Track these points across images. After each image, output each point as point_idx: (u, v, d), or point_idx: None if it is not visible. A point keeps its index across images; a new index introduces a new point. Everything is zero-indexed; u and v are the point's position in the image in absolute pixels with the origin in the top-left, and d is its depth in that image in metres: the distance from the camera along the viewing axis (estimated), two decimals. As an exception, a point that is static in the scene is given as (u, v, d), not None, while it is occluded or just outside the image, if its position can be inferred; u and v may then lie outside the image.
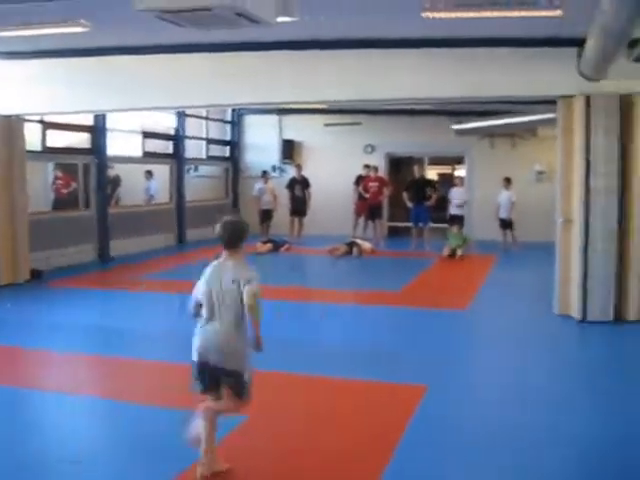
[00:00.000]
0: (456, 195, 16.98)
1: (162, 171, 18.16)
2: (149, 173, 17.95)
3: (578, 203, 9.08)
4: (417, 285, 12.52)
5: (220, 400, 4.63)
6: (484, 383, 6.83)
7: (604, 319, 8.96)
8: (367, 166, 18.11)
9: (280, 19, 7.61)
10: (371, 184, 17.72)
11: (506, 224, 16.69)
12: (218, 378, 4.58)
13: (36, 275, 12.29)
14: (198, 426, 4.56)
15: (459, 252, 15.38)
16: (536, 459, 4.87)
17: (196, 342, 4.68)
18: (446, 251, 15.48)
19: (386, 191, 17.83)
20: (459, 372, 7.11)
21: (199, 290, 4.73)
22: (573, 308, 9.24)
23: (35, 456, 4.92)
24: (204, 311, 4.69)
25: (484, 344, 8.42)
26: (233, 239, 4.70)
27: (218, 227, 4.69)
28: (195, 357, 4.65)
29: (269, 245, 16.54)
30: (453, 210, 16.92)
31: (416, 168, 17.86)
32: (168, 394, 6.35)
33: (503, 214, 16.71)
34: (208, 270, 4.74)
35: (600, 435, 5.34)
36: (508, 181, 16.71)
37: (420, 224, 17.14)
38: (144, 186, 18.00)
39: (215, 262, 4.76)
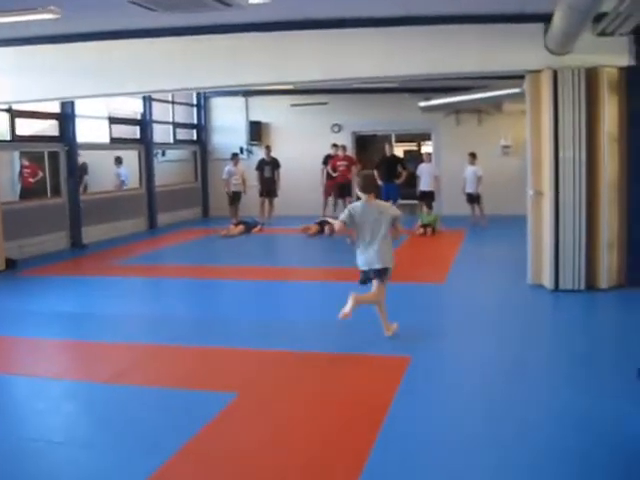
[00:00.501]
0: (425, 171, 17.07)
1: (130, 157, 18.10)
2: (118, 159, 17.88)
3: (548, 175, 9.27)
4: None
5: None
6: (465, 353, 6.99)
7: (576, 288, 9.20)
8: (335, 145, 18.26)
9: (252, 1, 7.71)
10: (339, 163, 17.86)
11: (473, 198, 16.89)
12: (372, 277, 7.13)
13: (10, 264, 12.24)
14: (348, 306, 6.92)
15: (429, 230, 15.54)
16: (517, 429, 5.01)
17: (361, 260, 7.20)
18: (418, 229, 15.61)
19: (354, 169, 17.95)
20: (441, 343, 7.27)
21: (350, 220, 7.02)
22: (546, 278, 9.47)
23: (23, 441, 4.99)
24: (364, 237, 7.05)
25: (463, 316, 8.57)
26: (368, 186, 7.11)
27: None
28: (362, 269, 7.21)
29: (241, 227, 16.59)
30: (423, 186, 17.00)
31: (387, 146, 17.90)
32: (144, 374, 6.51)
33: (469, 189, 16.88)
34: (358, 209, 7.03)
35: (571, 404, 5.47)
36: (473, 156, 16.87)
37: (390, 201, 17.25)
38: (114, 172, 17.95)
39: (359, 204, 7.11)
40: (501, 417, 5.22)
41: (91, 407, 5.77)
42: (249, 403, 5.62)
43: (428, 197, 16.74)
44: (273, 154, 18.71)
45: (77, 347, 7.61)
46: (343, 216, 7.04)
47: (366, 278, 7.22)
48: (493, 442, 4.79)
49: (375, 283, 7.17)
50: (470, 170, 16.84)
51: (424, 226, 15.69)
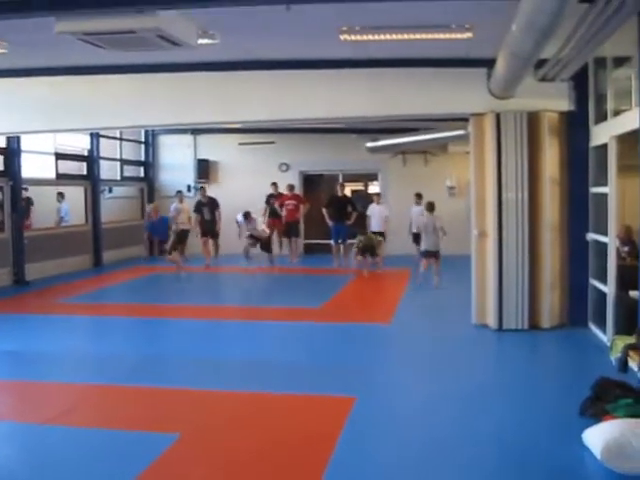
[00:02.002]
0: (376, 212, 17.15)
1: (75, 193, 17.90)
2: (60, 195, 17.67)
3: (492, 216, 9.44)
4: (338, 301, 12.72)
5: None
6: (409, 393, 7.03)
7: (519, 327, 9.34)
8: (274, 184, 18.26)
9: (201, 41, 7.75)
10: (287, 202, 17.91)
11: (417, 238, 17.01)
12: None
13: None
14: None
15: (369, 258, 15.55)
16: (459, 462, 5.09)
17: (424, 245, 12.84)
18: (356, 257, 15.62)
19: (302, 209, 18.02)
20: (386, 383, 7.28)
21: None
22: (490, 318, 9.59)
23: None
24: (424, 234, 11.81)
25: (408, 355, 8.64)
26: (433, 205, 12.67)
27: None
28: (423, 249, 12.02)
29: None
30: (374, 227, 17.06)
31: (338, 187, 17.98)
32: (86, 415, 6.41)
33: (415, 228, 17.03)
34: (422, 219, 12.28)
35: (512, 437, 5.60)
36: (419, 196, 17.04)
37: (339, 241, 17.41)
38: (56, 208, 17.71)
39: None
40: (444, 455, 5.25)
41: (29, 449, 5.63)
42: (191, 444, 5.54)
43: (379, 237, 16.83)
44: (221, 192, 18.66)
45: (17, 387, 7.43)
46: None
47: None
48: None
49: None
50: (416, 210, 17.00)
51: (362, 251, 15.49)
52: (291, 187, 18.24)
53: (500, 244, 9.38)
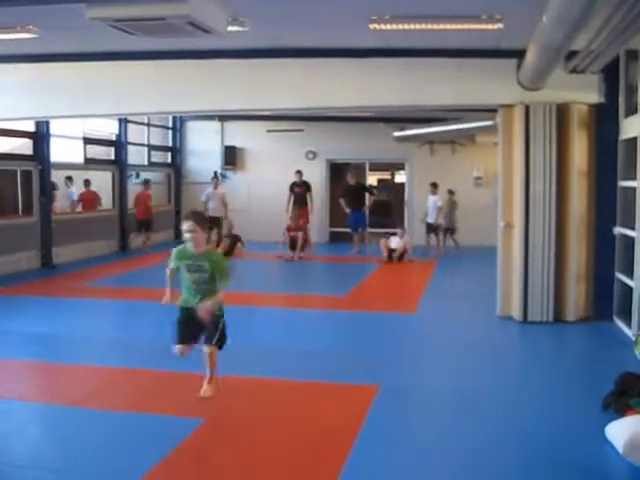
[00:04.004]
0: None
1: (102, 178, 18.06)
2: (69, 179, 17.76)
3: (518, 208, 9.40)
4: (363, 289, 12.76)
5: None
6: (433, 382, 7.03)
7: (544, 320, 9.30)
8: (299, 172, 17.98)
9: (231, 29, 7.78)
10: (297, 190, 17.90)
11: (432, 228, 17.05)
12: None
13: (-21, 283, 12.16)
14: None
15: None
16: (483, 456, 5.08)
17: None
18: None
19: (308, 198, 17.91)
20: (410, 372, 7.30)
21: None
22: (515, 310, 9.56)
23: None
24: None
25: (432, 346, 8.63)
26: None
27: None
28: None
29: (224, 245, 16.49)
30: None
31: (349, 175, 17.97)
32: (112, 397, 6.48)
33: (430, 219, 17.07)
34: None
35: (535, 431, 5.56)
36: (435, 186, 17.08)
37: (359, 229, 17.49)
38: (65, 193, 17.83)
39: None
40: (466, 449, 5.25)
41: (57, 430, 5.70)
42: (215, 429, 5.61)
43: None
44: (248, 178, 18.68)
45: (44, 369, 7.53)
46: None
47: None
48: (457, 472, 4.82)
49: None
50: (431, 200, 17.02)
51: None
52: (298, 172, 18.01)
53: (526, 236, 9.34)
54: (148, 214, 18.34)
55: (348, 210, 17.40)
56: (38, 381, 7.24)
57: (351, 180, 17.81)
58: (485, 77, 9.57)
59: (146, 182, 18.60)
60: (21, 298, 11.47)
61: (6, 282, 12.46)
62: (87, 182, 17.92)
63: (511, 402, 6.32)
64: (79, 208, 17.80)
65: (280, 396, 6.50)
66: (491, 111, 11.05)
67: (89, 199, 17.87)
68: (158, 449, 5.07)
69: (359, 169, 20.12)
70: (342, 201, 17.55)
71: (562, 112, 9.32)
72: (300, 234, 16.21)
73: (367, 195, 18.20)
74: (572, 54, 8.18)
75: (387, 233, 16.98)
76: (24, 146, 15.06)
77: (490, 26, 7.89)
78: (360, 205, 17.42)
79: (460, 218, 17.25)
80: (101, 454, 5.09)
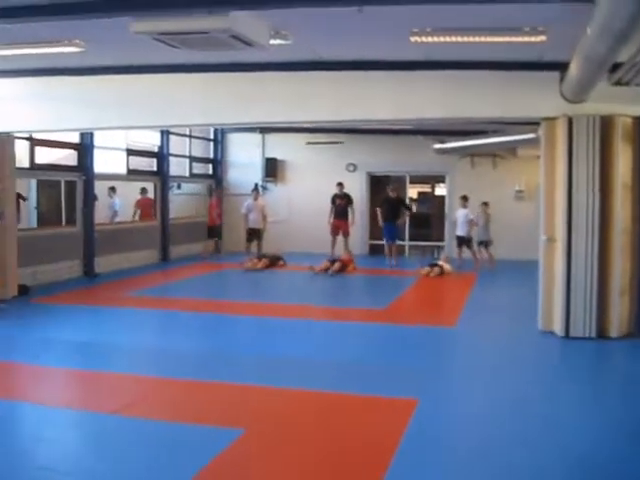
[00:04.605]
0: (461, 215, 17.02)
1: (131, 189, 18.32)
2: (112, 190, 17.98)
3: (561, 221, 9.30)
4: (403, 302, 12.72)
5: None
6: (472, 397, 6.96)
7: (587, 335, 9.17)
8: (340, 184, 17.92)
9: (273, 42, 7.83)
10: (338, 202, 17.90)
11: (462, 241, 16.91)
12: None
13: (23, 291, 12.33)
14: None
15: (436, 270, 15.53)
16: (525, 474, 5.01)
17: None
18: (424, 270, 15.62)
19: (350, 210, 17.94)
20: (449, 386, 7.27)
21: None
22: (556, 325, 9.44)
23: (31, 470, 4.98)
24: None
25: (473, 360, 8.57)
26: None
27: None
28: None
29: (265, 260, 16.74)
30: (459, 231, 17.03)
31: (388, 188, 18.10)
32: (151, 407, 6.53)
33: (460, 232, 16.92)
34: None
35: (573, 443, 5.52)
36: (465, 199, 16.93)
37: (389, 241, 17.56)
38: (108, 203, 17.96)
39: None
40: (505, 464, 5.19)
41: (97, 438, 5.78)
42: (255, 441, 5.62)
43: (464, 242, 16.85)
44: (288, 190, 18.76)
45: (85, 377, 7.63)
46: None
47: None
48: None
49: None
50: (461, 213, 16.89)
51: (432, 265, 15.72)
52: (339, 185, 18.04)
53: (569, 249, 9.23)
54: (213, 222, 19.22)
55: (381, 222, 17.54)
56: (80, 389, 7.32)
57: (392, 193, 17.85)
58: (528, 90, 9.49)
59: (211, 190, 18.92)
60: (64, 307, 11.62)
61: (49, 291, 12.63)
62: (144, 190, 18.26)
63: (552, 419, 6.22)
64: (136, 216, 18.34)
65: (319, 408, 6.52)
66: (533, 124, 10.97)
67: (147, 205, 18.32)
68: (198, 458, 5.10)
69: (399, 182, 20.12)
70: (378, 210, 17.65)
71: (606, 124, 9.21)
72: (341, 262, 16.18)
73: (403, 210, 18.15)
74: (616, 66, 8.08)
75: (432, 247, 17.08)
76: (69, 157, 15.30)
77: (533, 38, 7.83)
78: (395, 218, 17.52)
79: (501, 231, 17.11)
80: (141, 462, 5.14)
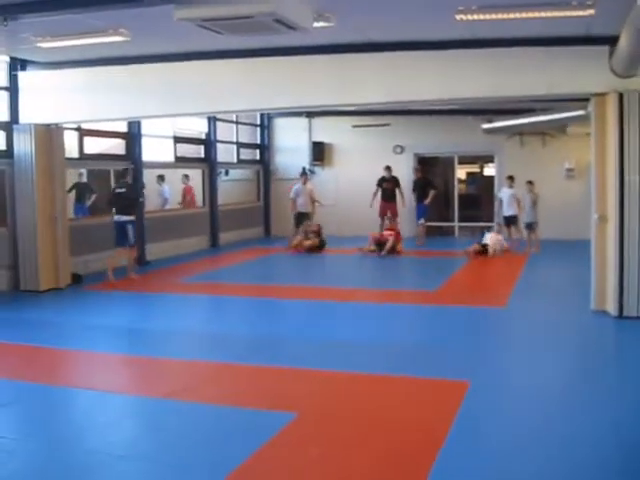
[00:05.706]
0: (507, 195, 16.60)
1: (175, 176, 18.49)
2: (161, 177, 18.12)
3: (613, 199, 9.13)
4: (454, 283, 12.62)
5: None
6: (525, 380, 6.89)
7: (640, 315, 9.03)
8: (388, 167, 17.74)
9: (317, 24, 7.81)
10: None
11: (510, 221, 16.55)
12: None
13: (76, 279, 12.54)
14: None
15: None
16: (575, 456, 4.94)
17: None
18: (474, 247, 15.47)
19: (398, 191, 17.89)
20: (500, 368, 7.19)
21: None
22: (609, 304, 9.29)
23: (86, 453, 5.07)
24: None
25: (524, 341, 8.49)
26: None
27: None
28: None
29: (315, 240, 16.86)
30: (506, 211, 16.64)
31: (414, 169, 18.58)
32: (203, 391, 6.56)
33: (508, 212, 16.54)
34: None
35: (623, 428, 5.44)
36: (511, 179, 16.51)
37: (421, 220, 17.64)
38: (158, 190, 18.17)
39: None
40: (558, 449, 5.11)
41: (151, 422, 5.87)
42: (308, 424, 5.63)
43: (512, 222, 16.54)
44: (335, 173, 18.78)
45: (138, 362, 7.73)
46: None
47: None
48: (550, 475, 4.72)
49: None
50: (507, 192, 16.50)
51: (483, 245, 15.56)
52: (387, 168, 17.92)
53: (622, 228, 9.06)
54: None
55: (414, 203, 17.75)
56: (134, 374, 7.42)
57: (416, 174, 18.14)
58: (576, 65, 9.32)
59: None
60: (118, 294, 11.80)
61: (101, 279, 12.81)
62: (186, 177, 18.46)
63: (605, 405, 6.06)
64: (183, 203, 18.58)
65: (371, 391, 6.51)
66: (583, 100, 10.76)
67: (189, 192, 18.60)
68: (252, 441, 5.14)
69: (448, 163, 20.05)
70: (412, 194, 18.00)
71: (658, 99, 9.00)
72: (390, 238, 16.07)
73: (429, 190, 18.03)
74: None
75: (482, 228, 16.89)
76: (118, 146, 15.47)
77: (581, 12, 7.69)
78: (422, 198, 17.71)
79: (551, 211, 16.85)
80: (195, 445, 5.19)
